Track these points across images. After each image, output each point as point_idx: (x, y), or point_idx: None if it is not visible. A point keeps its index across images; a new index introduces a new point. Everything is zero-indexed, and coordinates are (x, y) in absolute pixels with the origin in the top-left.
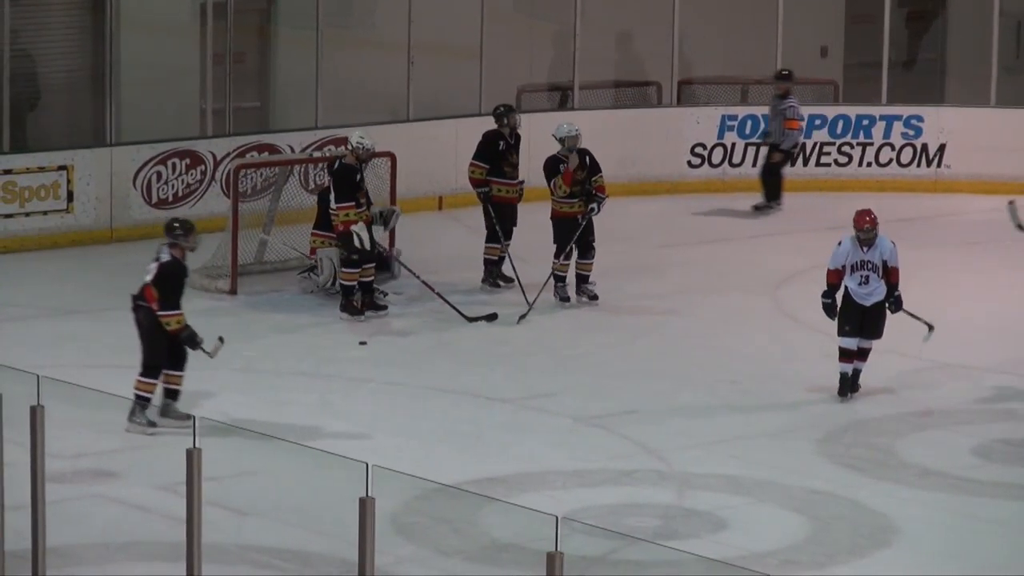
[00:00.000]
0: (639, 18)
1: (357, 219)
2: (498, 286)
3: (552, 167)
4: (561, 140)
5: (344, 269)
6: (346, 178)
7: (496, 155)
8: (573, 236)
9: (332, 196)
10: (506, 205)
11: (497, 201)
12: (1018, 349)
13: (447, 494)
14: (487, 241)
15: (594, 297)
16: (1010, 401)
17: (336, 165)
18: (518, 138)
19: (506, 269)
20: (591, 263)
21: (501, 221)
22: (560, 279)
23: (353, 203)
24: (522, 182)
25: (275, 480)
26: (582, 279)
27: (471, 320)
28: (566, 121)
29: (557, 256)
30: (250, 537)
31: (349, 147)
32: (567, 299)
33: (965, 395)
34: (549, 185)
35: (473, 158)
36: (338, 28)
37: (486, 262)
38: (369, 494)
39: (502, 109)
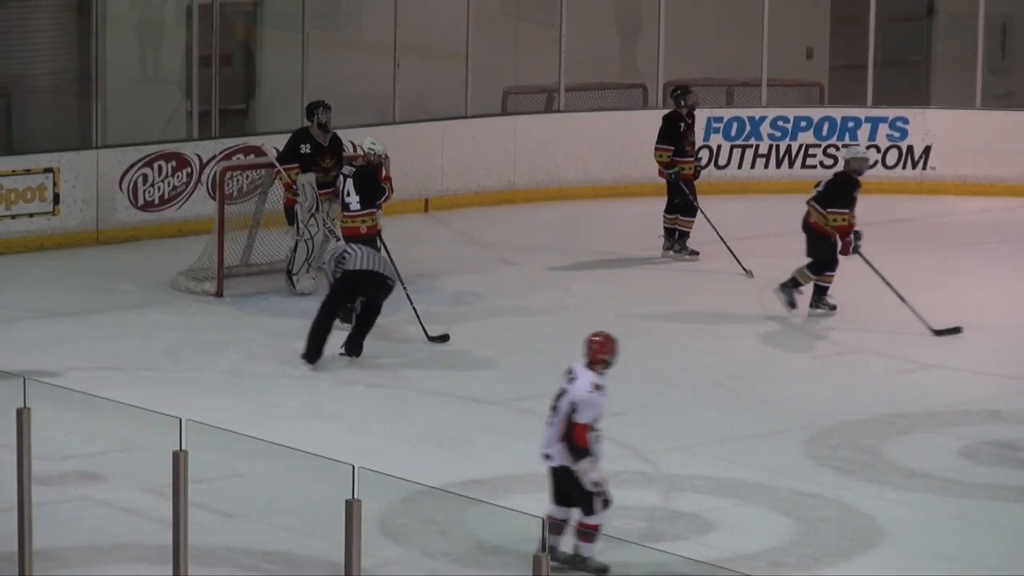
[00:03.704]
0: (625, 20)
1: (377, 224)
2: (695, 254)
3: (849, 191)
4: (847, 161)
5: None
6: (372, 180)
7: (678, 136)
8: (835, 254)
9: (352, 200)
10: (688, 182)
11: (682, 179)
12: (1003, 350)
13: (433, 496)
14: (683, 215)
15: (792, 306)
16: (995, 402)
17: (354, 171)
18: (694, 117)
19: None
20: (814, 279)
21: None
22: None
23: (384, 199)
24: (700, 159)
25: (261, 482)
26: (796, 284)
27: (431, 339)
28: (852, 142)
29: (821, 272)
30: (236, 539)
31: (361, 151)
32: (834, 307)
33: (951, 396)
34: (823, 205)
35: (657, 143)
36: (324, 30)
37: (680, 233)
38: (355, 496)
39: (679, 92)
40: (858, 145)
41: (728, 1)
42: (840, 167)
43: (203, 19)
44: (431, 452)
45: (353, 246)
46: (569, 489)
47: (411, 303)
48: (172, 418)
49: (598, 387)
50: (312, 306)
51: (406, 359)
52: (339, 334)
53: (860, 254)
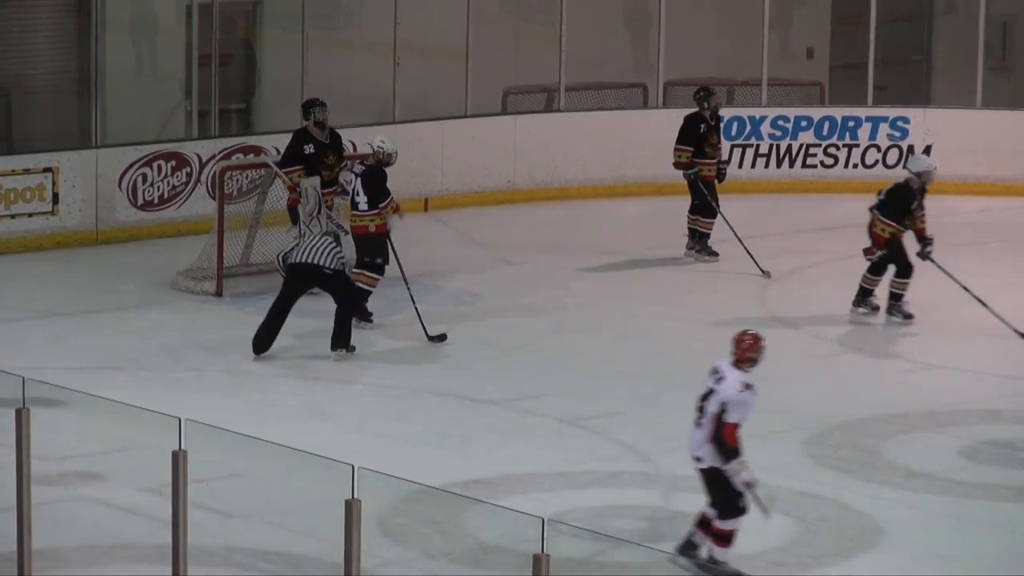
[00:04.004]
0: (625, 19)
1: (387, 223)
2: (715, 255)
3: (906, 201)
4: (918, 174)
5: (369, 273)
6: (378, 180)
7: (698, 137)
8: (907, 255)
9: (361, 199)
10: (708, 183)
11: (701, 180)
12: (1002, 350)
13: (433, 496)
14: (702, 216)
15: (908, 316)
16: (995, 402)
17: (364, 170)
18: (719, 119)
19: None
20: (908, 283)
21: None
22: (870, 292)
23: (386, 205)
24: (724, 162)
25: (261, 482)
26: (896, 297)
27: (430, 339)
28: (922, 154)
29: (908, 275)
30: (236, 539)
31: (371, 149)
32: (876, 309)
33: (951, 396)
34: (885, 215)
35: (677, 143)
36: (324, 29)
37: (699, 234)
38: (355, 496)
39: (702, 93)
40: (924, 156)
41: (729, 1)
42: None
43: (203, 18)
44: (431, 452)
45: (303, 240)
46: (713, 492)
47: (413, 303)
48: (171, 418)
49: (748, 386)
50: (314, 306)
51: (406, 359)
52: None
53: (932, 260)
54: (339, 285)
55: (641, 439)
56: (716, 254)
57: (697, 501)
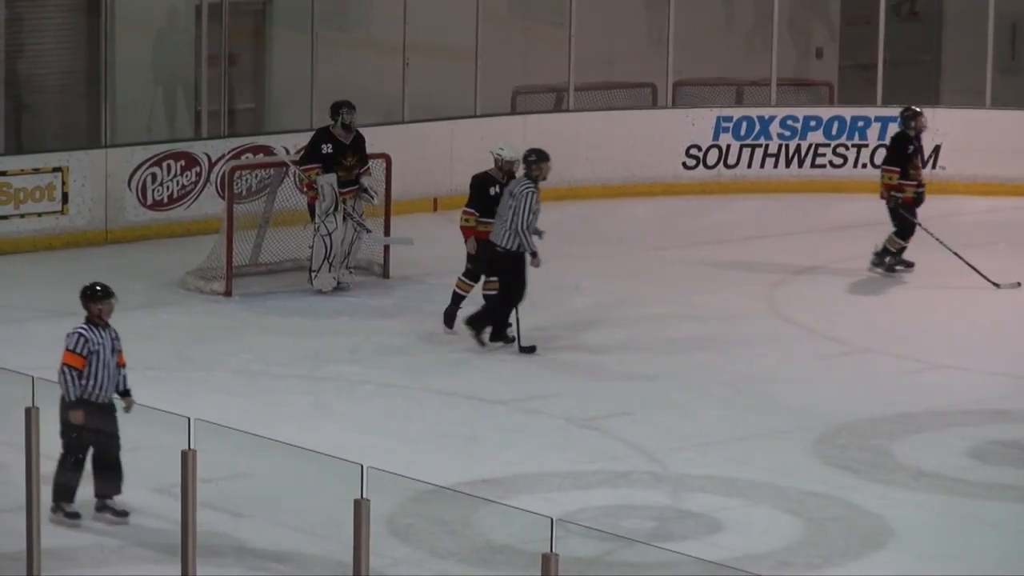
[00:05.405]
0: (634, 19)
1: (479, 226)
2: (895, 270)
3: None
4: None
5: (462, 277)
6: (482, 191)
7: (905, 158)
8: None
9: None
10: (907, 207)
11: (904, 202)
12: (1012, 350)
13: (442, 496)
14: (900, 237)
15: None
16: (1004, 402)
17: (476, 176)
18: (921, 140)
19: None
20: None
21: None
22: None
23: (476, 211)
24: (922, 185)
25: (270, 482)
26: None
27: (522, 350)
28: None
29: None
30: (245, 539)
31: (493, 156)
32: None
33: (959, 397)
34: None
35: (884, 163)
36: (333, 30)
37: (889, 251)
38: (364, 496)
39: (908, 112)
40: None
41: (738, 0)
42: None
43: (212, 18)
44: (440, 452)
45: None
46: None
47: (516, 313)
48: (181, 417)
49: None
50: (319, 306)
51: (414, 359)
52: (345, 334)
53: None
54: (500, 269)
55: (649, 439)
56: (911, 264)
57: (705, 501)
